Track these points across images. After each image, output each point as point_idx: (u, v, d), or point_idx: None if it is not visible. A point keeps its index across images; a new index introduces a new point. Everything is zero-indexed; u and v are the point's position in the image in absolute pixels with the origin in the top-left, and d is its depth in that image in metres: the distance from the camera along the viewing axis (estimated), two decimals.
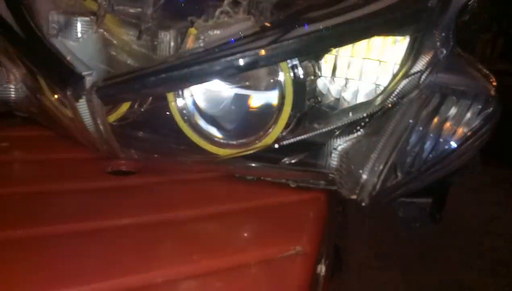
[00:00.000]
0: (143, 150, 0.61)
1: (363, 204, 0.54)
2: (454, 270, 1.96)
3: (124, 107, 0.63)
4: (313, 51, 0.55)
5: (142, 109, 0.61)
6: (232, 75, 0.53)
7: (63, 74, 0.53)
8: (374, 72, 0.65)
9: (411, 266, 1.92)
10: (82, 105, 0.53)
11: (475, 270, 1.99)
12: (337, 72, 0.65)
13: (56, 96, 0.63)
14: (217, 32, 0.54)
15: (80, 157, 0.75)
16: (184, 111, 0.61)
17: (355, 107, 0.62)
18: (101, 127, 0.55)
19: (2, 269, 0.47)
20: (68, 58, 0.54)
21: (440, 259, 1.99)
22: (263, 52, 0.49)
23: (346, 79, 0.66)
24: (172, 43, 0.54)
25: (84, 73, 0.53)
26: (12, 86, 0.77)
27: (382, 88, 0.63)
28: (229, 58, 0.49)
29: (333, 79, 0.66)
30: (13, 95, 0.77)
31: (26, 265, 0.48)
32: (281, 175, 0.67)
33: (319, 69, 0.64)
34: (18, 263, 0.48)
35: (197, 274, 0.51)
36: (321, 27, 0.50)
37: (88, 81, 0.52)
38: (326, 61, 0.64)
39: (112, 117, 0.66)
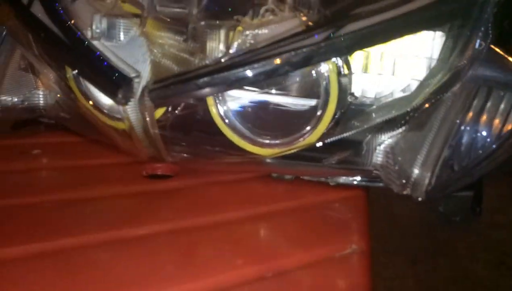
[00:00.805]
0: (185, 152, 0.60)
1: (419, 200, 0.54)
2: (461, 263, 1.98)
3: (160, 111, 0.63)
4: (366, 46, 0.55)
5: (177, 112, 0.61)
6: (287, 73, 0.52)
7: (112, 77, 0.52)
8: (408, 67, 0.65)
9: (418, 259, 1.93)
10: (131, 109, 0.52)
11: (482, 262, 2.01)
12: (370, 68, 0.65)
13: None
14: (265, 31, 0.54)
15: (115, 161, 0.74)
16: (224, 113, 0.61)
17: (397, 103, 0.62)
18: (151, 130, 0.54)
19: (43, 281, 0.46)
20: (115, 61, 0.53)
21: (447, 252, 2.01)
22: (318, 48, 0.49)
23: (379, 74, 0.66)
24: (222, 44, 0.53)
25: (133, 75, 0.52)
26: (41, 92, 0.76)
27: (418, 83, 0.63)
28: (284, 56, 0.49)
29: (365, 75, 0.65)
30: (41, 102, 0.76)
31: (66, 276, 0.47)
32: (322, 173, 0.67)
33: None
34: (58, 274, 0.47)
35: (246, 280, 0.50)
36: (374, 22, 0.50)
37: (137, 84, 0.51)
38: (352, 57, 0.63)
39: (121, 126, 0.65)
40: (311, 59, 0.50)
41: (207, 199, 0.67)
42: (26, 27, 0.60)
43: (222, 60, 0.51)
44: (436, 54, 0.62)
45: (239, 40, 0.53)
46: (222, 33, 0.53)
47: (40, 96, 0.76)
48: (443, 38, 0.61)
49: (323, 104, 0.60)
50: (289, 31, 0.52)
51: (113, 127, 0.65)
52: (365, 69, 0.65)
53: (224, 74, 0.49)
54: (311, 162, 0.65)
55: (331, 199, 0.67)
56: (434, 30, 0.62)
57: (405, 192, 0.56)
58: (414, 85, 0.65)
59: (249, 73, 0.49)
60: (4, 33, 0.76)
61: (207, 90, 0.50)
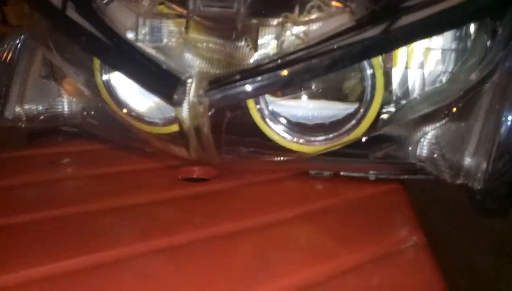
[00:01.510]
0: (232, 152, 0.59)
1: (477, 188, 0.54)
2: (463, 253, 2.01)
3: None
4: (422, 38, 0.54)
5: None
6: (344, 67, 0.52)
7: (166, 79, 0.51)
8: (438, 60, 0.65)
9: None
10: (183, 110, 0.51)
11: (482, 252, 2.05)
12: (399, 62, 0.65)
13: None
14: (315, 27, 0.53)
15: (147, 167, 0.72)
16: (266, 112, 0.60)
17: (438, 95, 0.62)
18: (204, 130, 0.52)
19: None
20: (165, 63, 0.52)
21: (448, 243, 2.04)
22: (378, 41, 0.49)
23: (406, 68, 0.66)
24: (274, 41, 0.53)
25: (185, 77, 0.51)
26: (65, 100, 0.73)
27: (448, 75, 0.63)
28: (340, 52, 0.48)
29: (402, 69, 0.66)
30: (66, 109, 0.74)
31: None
32: (364, 168, 0.67)
33: None
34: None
35: (305, 285, 0.47)
36: (427, 14, 0.50)
37: (189, 84, 0.50)
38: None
39: (172, 128, 0.64)
40: (371, 53, 0.50)
41: (248, 200, 0.65)
42: (63, 32, 0.58)
43: (277, 57, 0.50)
44: (462, 46, 0.63)
45: (291, 37, 0.52)
46: (273, 30, 0.53)
47: (64, 103, 0.73)
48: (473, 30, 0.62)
49: (368, 99, 0.60)
50: (341, 26, 0.52)
51: (150, 132, 0.64)
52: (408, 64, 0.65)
53: (284, 72, 0.48)
54: (354, 157, 0.65)
55: (372, 194, 0.67)
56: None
57: (458, 182, 0.56)
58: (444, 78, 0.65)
59: (308, 68, 0.48)
60: (19, 41, 0.74)
61: (265, 88, 0.49)
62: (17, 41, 0.74)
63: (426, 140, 0.62)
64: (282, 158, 0.61)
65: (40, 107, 0.71)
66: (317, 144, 0.62)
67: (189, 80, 0.51)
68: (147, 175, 0.70)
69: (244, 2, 0.54)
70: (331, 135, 0.62)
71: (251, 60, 0.53)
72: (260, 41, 0.53)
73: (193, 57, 0.54)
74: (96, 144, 0.78)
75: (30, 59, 0.73)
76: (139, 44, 0.55)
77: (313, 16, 0.53)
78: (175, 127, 0.62)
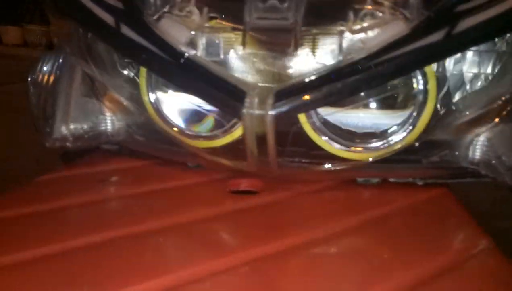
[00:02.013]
0: (289, 163, 0.59)
1: None
2: None
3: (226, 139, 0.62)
4: (481, 42, 0.55)
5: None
6: (410, 73, 0.52)
7: (231, 93, 0.51)
8: (476, 62, 0.66)
9: None
10: (248, 123, 0.51)
11: None
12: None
13: None
14: (371, 34, 0.53)
15: (195, 181, 0.71)
16: (317, 124, 0.60)
17: (486, 96, 0.62)
18: (270, 143, 0.52)
19: None
20: (227, 76, 0.52)
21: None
22: (438, 48, 0.49)
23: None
24: (335, 50, 0.53)
25: (250, 90, 0.51)
26: (108, 117, 0.73)
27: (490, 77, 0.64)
28: (405, 58, 0.49)
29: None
30: (109, 127, 0.74)
31: None
32: (415, 174, 0.66)
33: None
34: None
35: None
36: (486, 18, 0.50)
37: (255, 97, 0.50)
38: None
39: (226, 140, 0.64)
40: (435, 58, 0.50)
41: (301, 212, 0.64)
42: (119, 51, 0.58)
43: (341, 66, 0.50)
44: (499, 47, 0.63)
45: (349, 45, 0.52)
46: (332, 39, 0.53)
47: (108, 121, 0.73)
48: None
49: (421, 104, 0.60)
50: (399, 33, 0.52)
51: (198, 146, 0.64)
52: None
53: (350, 80, 0.48)
54: (405, 163, 0.65)
55: (424, 199, 0.67)
56: None
57: None
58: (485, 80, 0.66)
59: (374, 76, 0.48)
60: (58, 61, 0.75)
61: (332, 97, 0.49)
62: (56, 62, 0.74)
63: (479, 143, 0.62)
64: (337, 167, 0.60)
65: (85, 126, 0.71)
66: (371, 152, 0.62)
67: (254, 93, 0.51)
68: (196, 189, 0.70)
69: (299, 13, 0.54)
70: (384, 142, 0.62)
71: (310, 71, 0.53)
72: (319, 51, 0.53)
73: (251, 70, 0.54)
74: (139, 161, 0.77)
75: (71, 78, 0.73)
76: (198, 59, 0.55)
77: (368, 24, 0.54)
78: (226, 140, 0.62)
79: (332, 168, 0.59)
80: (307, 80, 0.51)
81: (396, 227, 0.61)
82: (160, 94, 0.65)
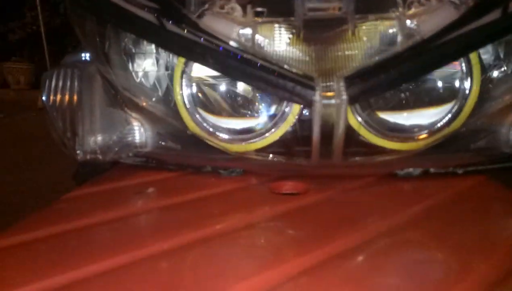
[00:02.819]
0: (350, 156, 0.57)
1: None
2: None
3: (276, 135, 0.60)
4: None
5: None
6: (472, 51, 0.52)
7: (300, 84, 0.49)
8: None
9: None
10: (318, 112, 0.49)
11: None
12: None
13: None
14: (424, 20, 0.54)
15: (236, 187, 0.68)
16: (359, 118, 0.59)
17: None
18: (340, 128, 0.50)
19: None
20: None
21: None
22: (498, 25, 0.50)
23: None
24: (395, 34, 0.53)
25: (316, 78, 0.49)
26: (136, 127, 0.69)
27: None
28: (469, 37, 0.49)
29: None
30: (137, 137, 0.70)
31: None
32: (454, 163, 0.66)
33: None
34: None
35: None
36: None
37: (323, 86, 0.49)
38: None
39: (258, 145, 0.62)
40: (496, 35, 0.51)
41: (353, 209, 0.61)
42: (167, 48, 0.55)
43: (406, 48, 0.50)
44: None
45: (406, 31, 0.52)
46: (388, 25, 0.53)
47: (135, 131, 0.69)
48: None
49: (466, 89, 0.60)
50: (451, 17, 0.53)
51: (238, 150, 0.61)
52: None
53: (420, 60, 0.48)
54: (453, 151, 0.65)
55: (466, 188, 0.67)
56: None
57: None
58: None
59: (442, 55, 0.48)
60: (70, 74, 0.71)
61: (404, 79, 0.49)
62: (68, 76, 0.70)
63: None
64: (389, 158, 0.60)
65: (114, 137, 0.67)
66: (418, 141, 0.62)
67: (322, 81, 0.49)
68: (236, 195, 0.67)
69: (350, 1, 0.54)
70: (430, 129, 0.62)
71: (372, 55, 0.52)
72: (377, 36, 0.53)
73: (307, 61, 0.53)
74: (168, 173, 0.73)
75: (92, 90, 0.69)
76: (254, 52, 0.53)
77: (419, 10, 0.54)
78: (275, 136, 0.59)
79: (389, 158, 0.58)
80: (375, 64, 0.50)
81: (450, 216, 0.60)
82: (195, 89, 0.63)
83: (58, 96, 0.67)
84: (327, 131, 0.51)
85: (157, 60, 0.67)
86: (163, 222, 0.61)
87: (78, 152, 0.63)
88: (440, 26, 0.52)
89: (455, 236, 0.54)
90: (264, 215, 0.60)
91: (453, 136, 0.62)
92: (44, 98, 0.71)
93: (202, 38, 0.52)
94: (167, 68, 0.65)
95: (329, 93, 0.49)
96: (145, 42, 0.67)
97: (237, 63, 0.51)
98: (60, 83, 0.71)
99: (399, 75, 0.49)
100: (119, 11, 0.56)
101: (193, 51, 0.52)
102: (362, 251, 0.51)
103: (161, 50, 0.66)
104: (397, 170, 0.65)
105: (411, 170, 0.68)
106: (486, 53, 0.65)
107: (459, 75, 0.59)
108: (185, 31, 0.53)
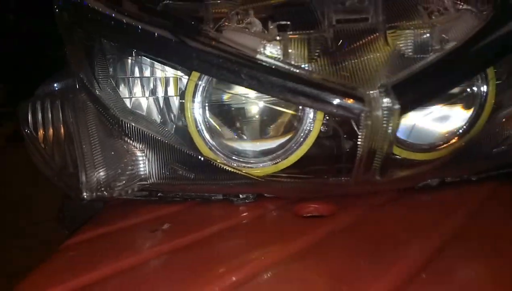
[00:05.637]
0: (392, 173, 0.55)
1: None
2: None
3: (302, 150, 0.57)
4: None
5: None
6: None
7: (348, 97, 0.46)
8: None
9: None
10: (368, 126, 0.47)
11: None
12: None
13: None
14: (448, 27, 0.54)
15: (256, 214, 0.63)
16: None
17: None
18: (386, 140, 0.48)
19: None
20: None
21: None
22: None
23: None
24: (429, 41, 0.52)
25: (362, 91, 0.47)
26: (140, 158, 0.63)
27: None
28: (501, 43, 0.49)
29: None
30: (141, 169, 0.63)
31: None
32: (473, 169, 0.66)
33: None
34: None
35: None
36: None
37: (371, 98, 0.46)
38: None
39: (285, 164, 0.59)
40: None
41: (385, 230, 0.57)
42: (187, 65, 0.51)
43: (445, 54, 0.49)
44: None
45: (438, 38, 0.52)
46: (421, 33, 0.52)
47: (139, 162, 0.63)
48: None
49: (483, 95, 0.61)
50: (473, 24, 0.54)
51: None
52: None
53: (466, 65, 0.47)
54: (470, 159, 0.64)
55: (485, 195, 0.66)
56: None
57: None
58: None
59: (481, 58, 0.49)
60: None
61: (453, 83, 0.47)
62: (62, 105, 0.64)
63: None
64: (420, 170, 0.58)
65: (119, 170, 0.60)
66: (444, 149, 0.61)
67: (367, 91, 0.47)
68: (261, 223, 0.61)
69: (378, 12, 0.52)
70: (449, 137, 0.61)
71: (405, 64, 0.51)
72: (410, 44, 0.52)
73: (339, 73, 0.51)
74: (176, 205, 0.67)
75: (86, 120, 0.62)
76: (287, 66, 0.49)
77: (444, 18, 0.54)
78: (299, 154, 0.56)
79: (418, 171, 0.56)
80: (421, 70, 0.48)
81: (484, 227, 0.58)
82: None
83: (50, 130, 0.60)
84: (373, 145, 0.49)
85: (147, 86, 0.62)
86: (176, 269, 0.51)
87: (83, 190, 0.55)
88: (466, 33, 0.52)
89: (496, 246, 0.52)
90: (294, 246, 0.54)
91: (473, 143, 0.62)
92: (27, 131, 0.63)
93: (229, 53, 0.48)
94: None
95: (379, 104, 0.46)
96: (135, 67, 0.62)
97: (273, 77, 0.47)
98: (49, 115, 0.64)
99: (447, 82, 0.48)
100: (133, 31, 0.51)
101: (221, 67, 0.48)
102: (419, 276, 0.46)
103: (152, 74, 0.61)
104: (422, 181, 0.64)
105: (429, 181, 0.67)
106: None
107: (476, 81, 0.60)
108: (209, 46, 0.48)
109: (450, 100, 0.61)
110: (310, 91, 0.46)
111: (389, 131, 0.48)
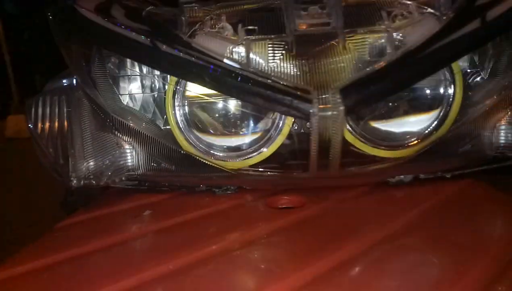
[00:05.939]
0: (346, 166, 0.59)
1: None
2: None
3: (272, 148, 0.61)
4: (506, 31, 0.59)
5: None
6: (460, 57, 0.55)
7: (297, 97, 0.50)
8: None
9: None
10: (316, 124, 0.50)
11: None
12: None
13: None
14: (409, 31, 0.56)
15: (232, 204, 0.68)
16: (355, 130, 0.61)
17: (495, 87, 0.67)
18: (338, 140, 0.52)
19: None
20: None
21: None
22: (479, 34, 0.53)
23: None
24: (385, 45, 0.55)
25: (311, 91, 0.50)
26: (128, 151, 0.69)
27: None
28: (454, 45, 0.52)
29: None
30: (129, 161, 0.69)
31: None
32: (446, 166, 0.69)
33: None
34: None
35: None
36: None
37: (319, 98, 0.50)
38: None
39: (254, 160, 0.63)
40: (480, 42, 0.53)
41: (352, 218, 0.62)
42: (162, 68, 0.56)
43: (396, 59, 0.52)
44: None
45: (394, 42, 0.55)
46: (376, 37, 0.55)
47: (127, 154, 0.69)
48: None
49: (450, 96, 0.63)
50: (434, 27, 0.56)
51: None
52: None
53: (413, 70, 0.50)
54: (439, 158, 0.67)
55: (455, 191, 0.68)
56: None
57: None
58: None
59: (433, 64, 0.51)
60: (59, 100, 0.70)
61: (399, 87, 0.51)
62: (53, 103, 0.70)
63: (501, 129, 0.66)
64: (382, 166, 0.61)
65: (106, 161, 0.66)
66: (410, 148, 0.64)
67: (317, 94, 0.50)
68: (233, 212, 0.66)
69: (339, 17, 0.56)
70: (419, 136, 0.64)
71: (361, 68, 0.54)
72: (366, 48, 0.55)
73: (298, 75, 0.54)
74: (161, 195, 0.72)
75: (80, 115, 0.68)
76: (250, 69, 0.54)
77: (404, 22, 0.57)
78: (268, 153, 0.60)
79: (382, 166, 0.60)
80: (368, 74, 0.52)
81: (443, 219, 0.61)
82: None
83: (47, 124, 0.66)
84: (324, 143, 0.52)
85: (147, 83, 0.67)
86: (160, 246, 0.59)
87: (72, 178, 0.62)
88: (424, 36, 0.54)
89: (450, 238, 0.55)
90: (262, 231, 0.59)
91: (440, 143, 0.64)
92: (31, 126, 0.70)
93: (196, 57, 0.52)
94: (156, 90, 0.65)
95: (326, 105, 0.50)
96: (133, 65, 0.67)
97: (233, 80, 0.51)
98: (48, 110, 0.70)
99: (392, 85, 0.51)
100: (112, 35, 0.56)
101: (188, 70, 0.53)
102: (361, 260, 0.51)
103: (149, 72, 0.66)
104: (389, 177, 0.67)
105: (402, 177, 0.69)
106: (464, 61, 0.69)
107: (443, 83, 0.62)
108: (179, 51, 0.53)
109: (417, 101, 0.63)
110: (265, 93, 0.51)
111: (338, 132, 0.51)
